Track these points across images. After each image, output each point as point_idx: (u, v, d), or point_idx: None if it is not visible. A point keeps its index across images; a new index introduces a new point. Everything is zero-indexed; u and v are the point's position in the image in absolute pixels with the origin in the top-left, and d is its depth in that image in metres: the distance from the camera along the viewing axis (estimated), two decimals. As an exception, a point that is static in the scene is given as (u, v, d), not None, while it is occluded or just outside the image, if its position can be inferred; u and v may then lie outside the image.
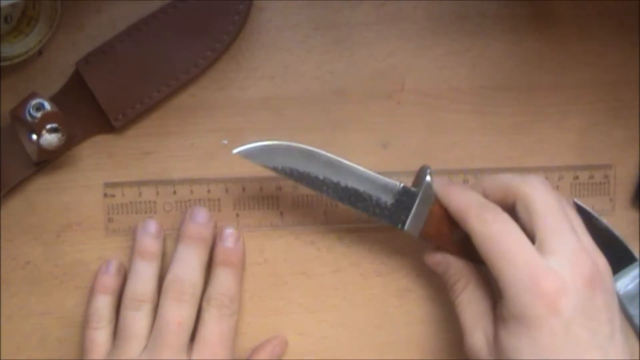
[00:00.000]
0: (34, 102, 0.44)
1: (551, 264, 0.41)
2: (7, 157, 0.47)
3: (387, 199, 0.45)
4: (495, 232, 0.42)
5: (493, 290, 0.44)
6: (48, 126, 0.44)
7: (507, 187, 0.44)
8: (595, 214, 0.51)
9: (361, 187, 0.45)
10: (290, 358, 0.50)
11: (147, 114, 0.49)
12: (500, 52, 0.51)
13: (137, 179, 0.49)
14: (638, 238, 0.52)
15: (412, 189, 0.46)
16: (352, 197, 0.45)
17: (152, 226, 0.48)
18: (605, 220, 0.51)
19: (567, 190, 0.51)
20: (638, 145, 0.52)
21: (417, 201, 0.45)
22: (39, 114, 0.44)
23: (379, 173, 0.49)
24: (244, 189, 0.49)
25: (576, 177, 0.51)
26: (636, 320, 0.51)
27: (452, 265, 0.46)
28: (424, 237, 0.46)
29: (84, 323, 0.47)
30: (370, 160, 0.50)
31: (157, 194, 0.49)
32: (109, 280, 0.47)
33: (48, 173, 0.48)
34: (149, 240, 0.47)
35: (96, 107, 0.47)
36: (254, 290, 0.50)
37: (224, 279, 0.47)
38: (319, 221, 0.50)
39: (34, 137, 0.44)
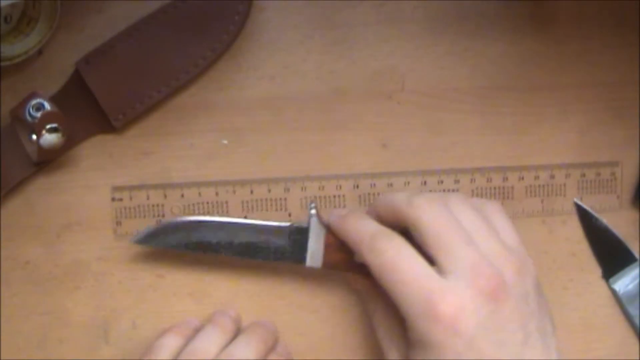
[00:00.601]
0: (34, 102, 0.44)
1: (450, 284, 0.40)
2: (7, 157, 0.47)
3: (283, 242, 0.47)
4: (388, 261, 0.41)
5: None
6: (48, 126, 0.44)
7: (395, 211, 0.43)
8: (595, 214, 0.51)
9: (255, 239, 0.47)
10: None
11: (147, 114, 0.49)
12: (500, 52, 0.51)
13: (138, 179, 0.49)
14: (638, 238, 0.52)
15: (303, 225, 0.47)
16: (250, 250, 0.47)
17: (232, 312, 0.48)
18: (605, 220, 0.51)
19: (574, 188, 0.51)
20: (638, 145, 0.52)
21: (309, 236, 0.46)
22: (39, 114, 0.44)
23: (379, 173, 0.50)
24: (252, 192, 0.49)
25: (583, 175, 0.51)
26: (636, 320, 0.51)
27: (362, 288, 0.47)
28: (327, 267, 0.47)
29: (146, 350, 0.46)
30: (370, 160, 0.50)
31: (165, 197, 0.49)
32: (189, 330, 0.47)
33: (48, 173, 0.48)
34: (227, 319, 0.47)
35: (96, 107, 0.47)
36: (254, 290, 0.50)
37: None
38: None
39: (34, 137, 0.44)
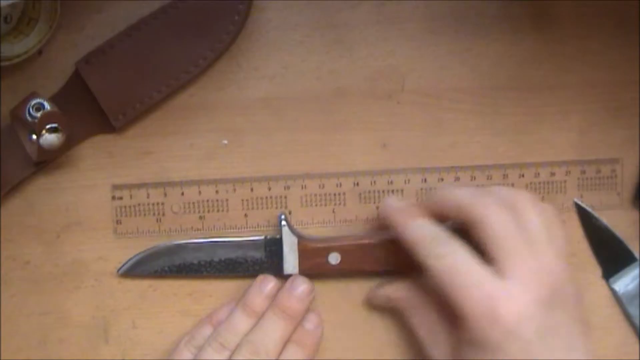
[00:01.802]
0: (34, 102, 0.44)
1: (509, 288, 0.41)
2: (7, 157, 0.47)
3: (259, 254, 0.48)
4: (448, 266, 0.42)
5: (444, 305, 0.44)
6: (48, 126, 0.44)
7: (459, 208, 0.44)
8: (595, 214, 0.51)
9: (233, 254, 0.48)
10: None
11: (147, 114, 0.49)
12: (500, 52, 0.51)
13: (138, 179, 0.49)
14: (638, 238, 0.52)
15: (276, 236, 0.48)
16: (230, 266, 0.48)
17: (268, 286, 0.48)
18: (605, 220, 0.51)
19: (575, 185, 0.51)
20: (638, 145, 0.52)
21: (283, 246, 0.48)
22: (38, 114, 0.44)
23: (379, 172, 0.50)
24: (252, 190, 0.49)
25: (583, 172, 0.51)
26: (636, 320, 0.51)
27: (401, 297, 0.47)
28: (305, 273, 0.48)
29: (186, 337, 0.47)
30: (370, 160, 0.50)
31: (165, 195, 0.49)
32: (222, 319, 0.48)
33: (48, 173, 0.48)
34: (259, 300, 0.47)
35: (96, 107, 0.47)
36: (254, 290, 0.50)
37: (294, 358, 0.47)
38: (327, 220, 0.50)
39: (34, 137, 0.44)
